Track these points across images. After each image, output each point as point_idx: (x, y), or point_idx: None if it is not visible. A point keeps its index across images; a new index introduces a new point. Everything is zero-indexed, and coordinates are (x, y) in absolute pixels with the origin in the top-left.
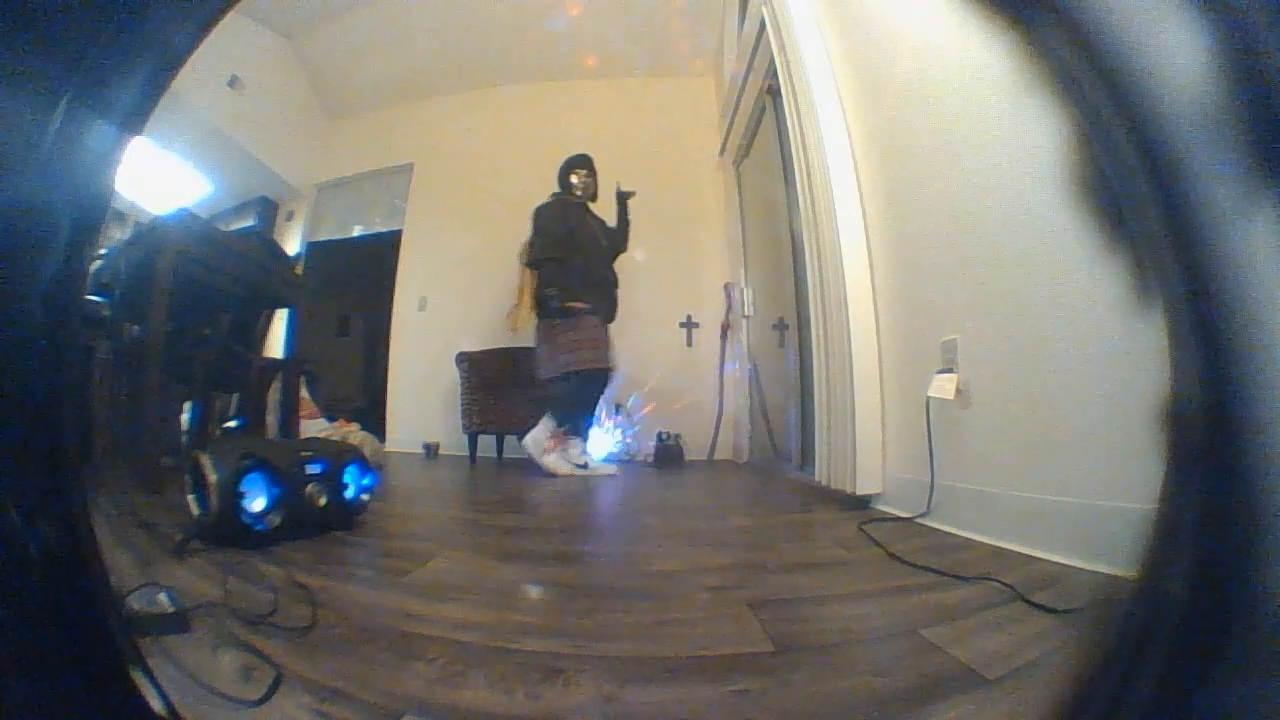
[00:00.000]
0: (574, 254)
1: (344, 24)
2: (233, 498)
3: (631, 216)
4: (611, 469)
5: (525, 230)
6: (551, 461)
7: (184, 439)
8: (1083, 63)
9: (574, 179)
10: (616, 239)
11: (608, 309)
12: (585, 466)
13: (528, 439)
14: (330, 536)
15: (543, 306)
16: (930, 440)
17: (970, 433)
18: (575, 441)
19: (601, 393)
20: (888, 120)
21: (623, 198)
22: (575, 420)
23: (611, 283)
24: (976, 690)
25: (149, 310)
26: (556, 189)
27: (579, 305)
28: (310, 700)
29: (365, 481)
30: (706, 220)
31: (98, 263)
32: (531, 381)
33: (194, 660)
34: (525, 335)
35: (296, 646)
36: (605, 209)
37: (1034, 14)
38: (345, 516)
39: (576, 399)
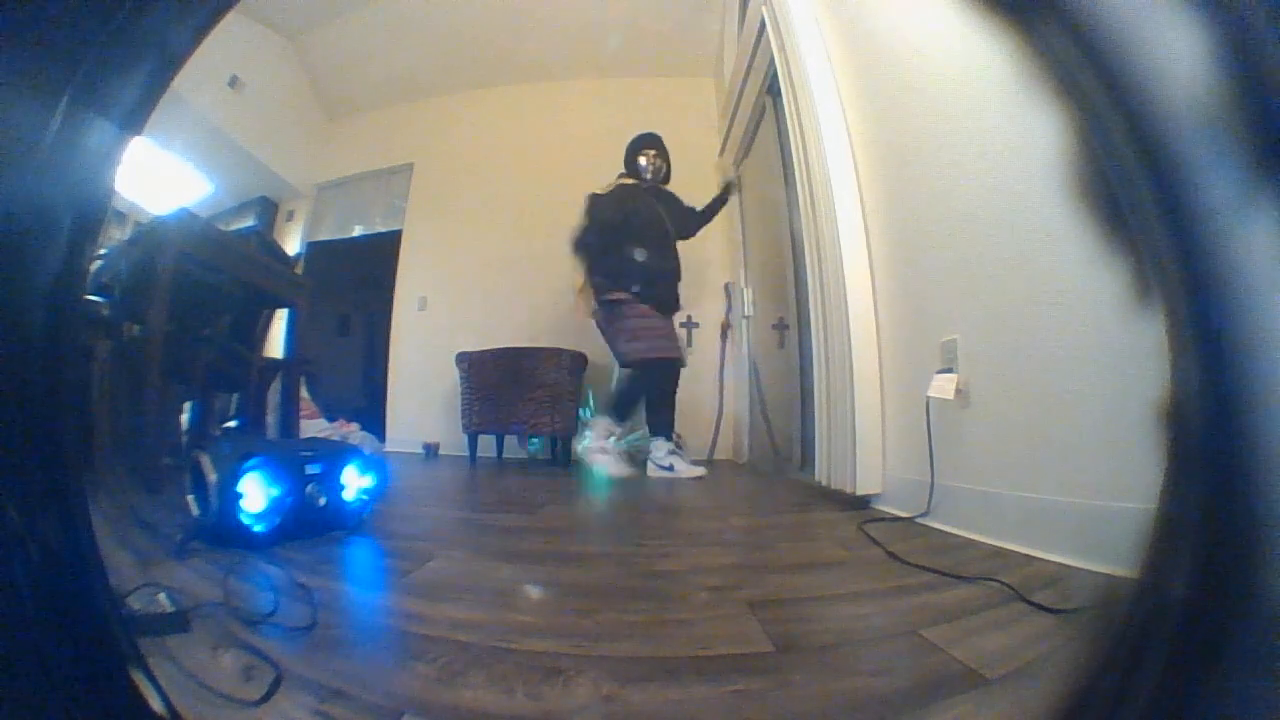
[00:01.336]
0: (625, 241)
1: (344, 24)
2: (233, 498)
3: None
4: (700, 470)
5: (528, 230)
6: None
7: (184, 439)
8: (1083, 63)
9: (642, 160)
10: (688, 224)
11: (663, 299)
12: (671, 468)
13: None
14: (330, 536)
15: (595, 294)
16: (930, 440)
17: (970, 433)
18: (660, 442)
19: (644, 386)
20: (888, 120)
21: (728, 188)
22: (619, 411)
23: (669, 271)
24: (976, 690)
25: (149, 310)
26: (622, 170)
27: (621, 295)
28: (310, 700)
29: (372, 482)
30: None
31: (98, 263)
32: (533, 382)
33: (194, 660)
34: (526, 335)
35: (296, 646)
36: (679, 188)
37: (1034, 14)
38: (346, 517)
39: (622, 389)
